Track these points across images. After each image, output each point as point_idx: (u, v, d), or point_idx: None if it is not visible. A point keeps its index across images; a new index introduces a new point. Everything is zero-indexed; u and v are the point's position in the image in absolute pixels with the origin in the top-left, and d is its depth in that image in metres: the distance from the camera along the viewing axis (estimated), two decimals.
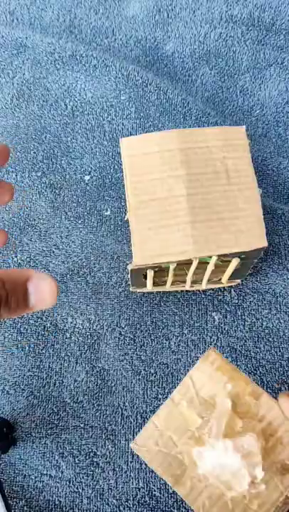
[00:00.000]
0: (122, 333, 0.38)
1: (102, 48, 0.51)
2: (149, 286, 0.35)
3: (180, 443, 0.25)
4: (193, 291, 0.39)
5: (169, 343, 0.38)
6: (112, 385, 0.37)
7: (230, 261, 0.32)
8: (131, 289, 0.38)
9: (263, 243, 0.30)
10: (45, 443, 0.36)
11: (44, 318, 0.39)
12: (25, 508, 0.34)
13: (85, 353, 0.38)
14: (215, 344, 0.37)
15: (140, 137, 0.32)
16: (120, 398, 0.36)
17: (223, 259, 0.32)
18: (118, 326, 0.38)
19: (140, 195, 0.30)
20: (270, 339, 0.37)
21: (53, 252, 0.41)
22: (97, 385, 0.37)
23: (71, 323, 0.39)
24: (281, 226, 0.41)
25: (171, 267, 0.31)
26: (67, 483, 0.35)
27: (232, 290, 0.39)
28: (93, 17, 0.53)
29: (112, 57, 0.49)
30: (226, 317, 0.38)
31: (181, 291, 0.39)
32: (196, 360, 0.37)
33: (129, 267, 0.31)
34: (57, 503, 0.34)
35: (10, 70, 0.49)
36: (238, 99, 0.48)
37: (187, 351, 0.37)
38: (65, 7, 0.53)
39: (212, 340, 0.38)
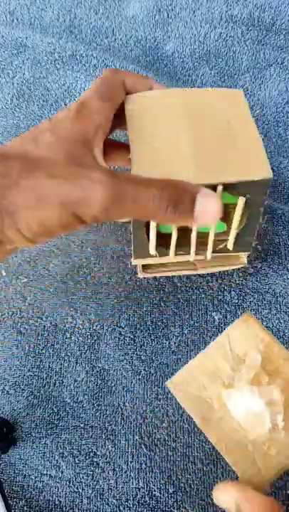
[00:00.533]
0: (122, 333, 0.38)
1: (102, 47, 0.51)
2: (152, 249, 0.34)
3: (211, 388, 0.29)
4: (198, 275, 0.39)
5: (169, 343, 0.38)
6: (112, 385, 0.37)
7: (235, 204, 0.31)
8: (132, 261, 0.36)
9: (269, 174, 0.29)
10: (45, 443, 0.36)
11: (44, 318, 0.39)
12: (25, 508, 0.34)
13: (85, 353, 0.38)
14: None
15: (144, 93, 0.33)
16: (120, 398, 0.36)
17: (227, 203, 0.31)
18: (118, 326, 0.38)
19: (141, 138, 0.31)
20: None
21: (53, 252, 0.41)
22: (97, 385, 0.37)
23: (71, 323, 0.39)
24: (281, 226, 0.41)
25: None
26: (67, 483, 0.35)
27: (232, 290, 0.39)
28: (93, 17, 0.53)
29: (112, 57, 0.49)
30: (226, 317, 0.38)
31: (186, 278, 0.39)
32: None
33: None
34: (57, 503, 0.34)
35: (10, 70, 0.49)
36: None
37: (187, 351, 0.37)
38: (65, 7, 0.53)
39: (212, 340, 0.38)
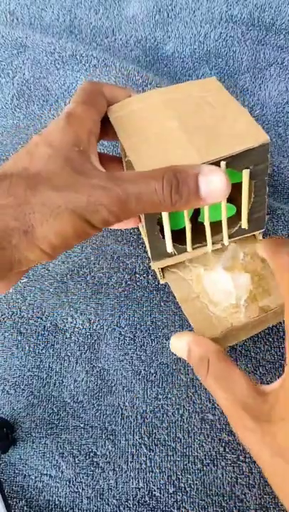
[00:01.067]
0: (122, 333, 0.38)
1: (102, 47, 0.51)
2: (170, 246, 0.33)
3: (194, 271, 0.34)
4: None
5: (169, 343, 0.38)
6: (112, 385, 0.37)
7: (239, 184, 0.31)
8: (152, 265, 0.35)
9: (266, 138, 0.29)
10: (45, 443, 0.36)
11: (44, 318, 0.39)
12: (25, 508, 0.34)
13: (85, 353, 0.38)
14: None
15: (124, 101, 0.33)
16: (120, 398, 0.36)
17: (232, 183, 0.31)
18: (118, 326, 0.38)
19: (133, 137, 0.31)
20: (270, 339, 0.37)
21: None
22: (97, 385, 0.37)
23: (71, 323, 0.39)
24: (281, 226, 0.41)
25: None
26: (67, 483, 0.35)
27: None
28: (93, 17, 0.53)
29: (112, 57, 0.49)
30: None
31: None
32: None
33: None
34: (57, 503, 0.34)
35: (10, 70, 0.49)
36: (238, 99, 0.48)
37: None
38: (65, 7, 0.53)
39: None
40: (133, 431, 0.35)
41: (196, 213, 0.33)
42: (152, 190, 0.25)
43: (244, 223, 0.34)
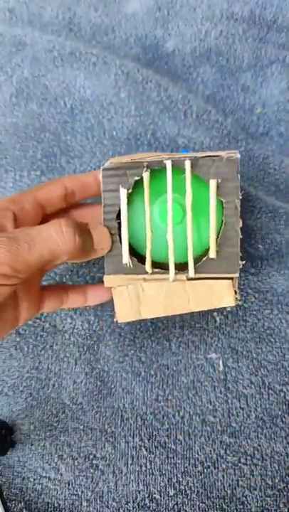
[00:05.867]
0: (122, 334, 0.38)
1: (102, 45, 0.51)
2: (126, 256, 0.30)
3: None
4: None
5: (170, 344, 0.37)
6: (112, 386, 0.36)
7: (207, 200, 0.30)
8: (105, 282, 0.31)
9: (236, 153, 0.30)
10: (44, 445, 0.35)
11: (43, 319, 0.39)
12: (24, 511, 0.34)
13: (84, 355, 0.37)
14: (216, 345, 0.37)
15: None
16: (120, 400, 0.36)
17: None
18: (118, 327, 0.38)
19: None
20: (272, 340, 0.37)
21: None
22: (96, 386, 0.36)
23: (70, 324, 0.38)
24: (283, 225, 0.41)
25: (145, 177, 0.30)
26: (67, 485, 0.34)
27: None
28: (93, 14, 0.52)
29: (112, 54, 0.48)
30: (227, 318, 0.38)
31: None
32: (197, 360, 0.37)
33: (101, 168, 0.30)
34: (56, 505, 0.34)
35: (9, 68, 0.48)
36: (239, 97, 0.48)
37: (188, 352, 0.37)
38: (65, 4, 0.53)
39: (213, 341, 0.37)
40: (133, 433, 0.35)
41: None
42: (50, 231, 0.26)
43: (212, 250, 0.30)
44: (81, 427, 0.35)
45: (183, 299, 0.31)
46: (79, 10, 0.52)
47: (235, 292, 0.31)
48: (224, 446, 0.34)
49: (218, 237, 0.30)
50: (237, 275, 0.31)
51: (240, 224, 0.30)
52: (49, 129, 0.45)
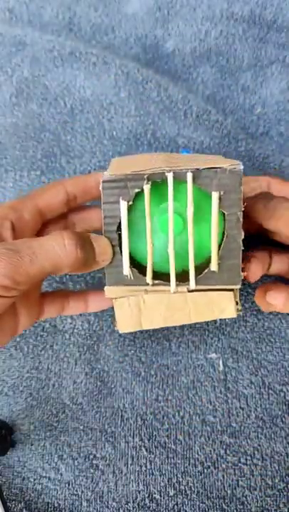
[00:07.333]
0: (122, 334, 0.38)
1: (102, 45, 0.51)
2: (126, 267, 0.30)
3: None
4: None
5: (170, 344, 0.37)
6: (112, 386, 0.36)
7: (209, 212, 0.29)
8: (106, 293, 0.31)
9: (239, 164, 0.29)
10: (44, 445, 0.35)
11: (43, 319, 0.39)
12: (24, 511, 0.34)
13: (84, 355, 0.37)
14: (216, 345, 0.37)
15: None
16: (120, 400, 0.36)
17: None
18: None
19: (118, 164, 0.32)
20: (272, 340, 0.37)
21: None
22: (96, 386, 0.36)
23: (70, 324, 0.38)
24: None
25: (146, 190, 0.29)
26: (67, 485, 0.34)
27: None
28: (93, 14, 0.52)
29: (112, 54, 0.48)
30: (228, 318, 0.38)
31: None
32: (197, 360, 0.37)
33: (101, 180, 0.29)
34: (56, 505, 0.34)
35: (9, 68, 0.48)
36: (239, 97, 0.48)
37: (188, 352, 0.37)
38: (65, 4, 0.53)
39: (213, 341, 0.37)
40: (133, 433, 0.35)
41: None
42: (53, 242, 0.26)
43: (213, 263, 0.30)
44: (81, 427, 0.35)
45: (184, 310, 0.31)
46: (79, 10, 0.52)
47: (237, 303, 0.31)
48: (224, 446, 0.34)
49: (219, 249, 0.30)
50: (238, 287, 0.30)
51: (242, 236, 0.30)
52: (49, 129, 0.45)
